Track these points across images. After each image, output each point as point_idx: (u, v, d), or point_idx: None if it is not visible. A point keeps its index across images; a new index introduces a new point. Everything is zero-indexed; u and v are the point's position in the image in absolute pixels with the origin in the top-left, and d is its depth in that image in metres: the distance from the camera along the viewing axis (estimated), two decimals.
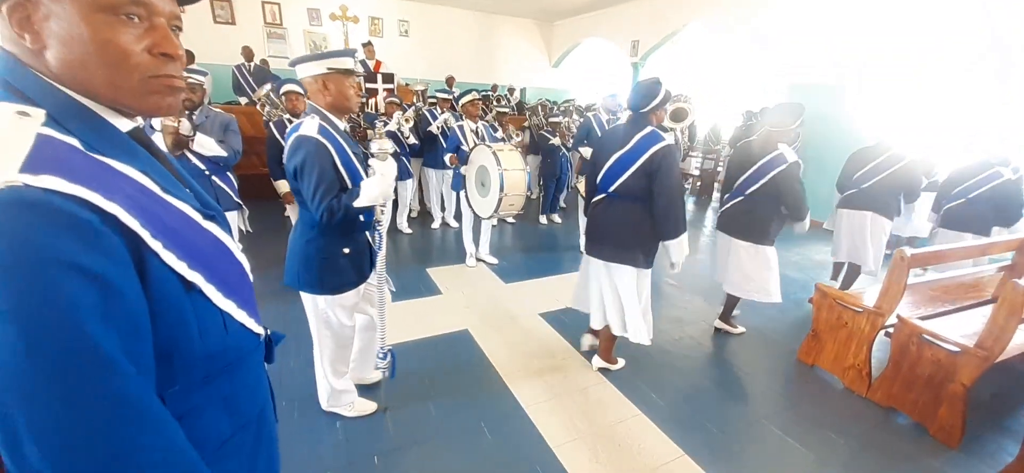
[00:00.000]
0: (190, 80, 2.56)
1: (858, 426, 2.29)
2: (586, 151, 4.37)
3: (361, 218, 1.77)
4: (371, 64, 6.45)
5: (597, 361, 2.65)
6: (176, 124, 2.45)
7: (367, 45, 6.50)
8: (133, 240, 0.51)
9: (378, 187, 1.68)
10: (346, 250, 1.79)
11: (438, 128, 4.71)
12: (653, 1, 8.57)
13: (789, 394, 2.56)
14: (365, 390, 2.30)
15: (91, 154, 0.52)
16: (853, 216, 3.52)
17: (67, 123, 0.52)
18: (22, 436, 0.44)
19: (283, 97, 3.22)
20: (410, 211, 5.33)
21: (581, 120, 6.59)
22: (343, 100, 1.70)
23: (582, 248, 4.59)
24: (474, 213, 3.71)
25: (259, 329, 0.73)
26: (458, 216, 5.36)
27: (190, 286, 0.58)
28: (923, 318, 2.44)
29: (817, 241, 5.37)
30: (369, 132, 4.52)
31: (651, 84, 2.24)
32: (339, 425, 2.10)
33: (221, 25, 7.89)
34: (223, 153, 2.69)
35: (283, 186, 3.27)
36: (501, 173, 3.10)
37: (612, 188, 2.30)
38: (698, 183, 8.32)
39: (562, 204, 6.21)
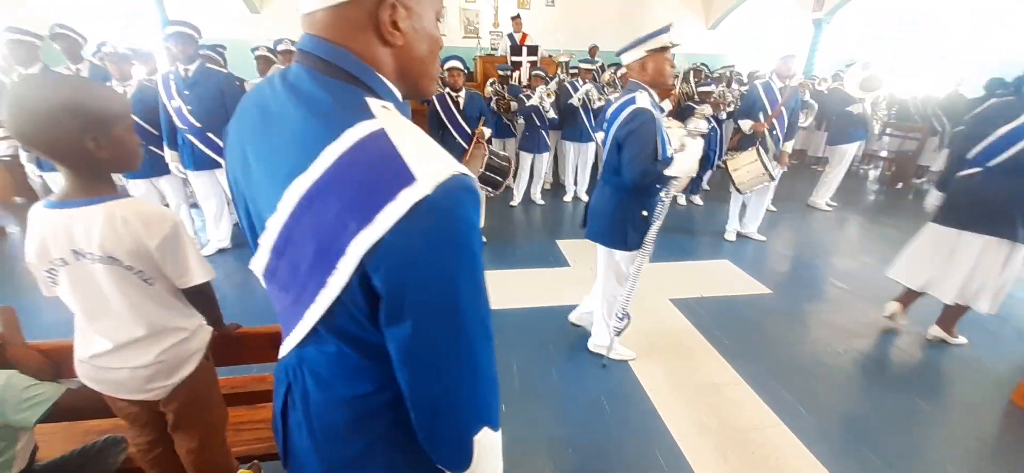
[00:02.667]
0: None
1: None
2: (746, 124, 3.88)
3: (657, 186, 2.03)
4: (517, 37, 6.65)
5: (935, 329, 2.70)
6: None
7: (515, 18, 6.69)
8: None
9: (688, 162, 1.88)
10: (644, 213, 2.07)
11: (579, 100, 4.70)
12: None
13: (991, 441, 2.03)
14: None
15: None
16: None
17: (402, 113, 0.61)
18: (462, 350, 0.58)
19: (446, 73, 3.55)
20: (544, 182, 5.48)
21: (741, 89, 5.87)
22: (661, 76, 1.94)
23: (729, 235, 4.18)
24: None
25: None
26: (590, 191, 5.34)
27: None
28: None
29: None
30: (515, 102, 4.73)
31: None
32: None
33: None
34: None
35: None
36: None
37: (993, 163, 2.31)
38: (891, 169, 6.74)
39: (705, 185, 5.69)
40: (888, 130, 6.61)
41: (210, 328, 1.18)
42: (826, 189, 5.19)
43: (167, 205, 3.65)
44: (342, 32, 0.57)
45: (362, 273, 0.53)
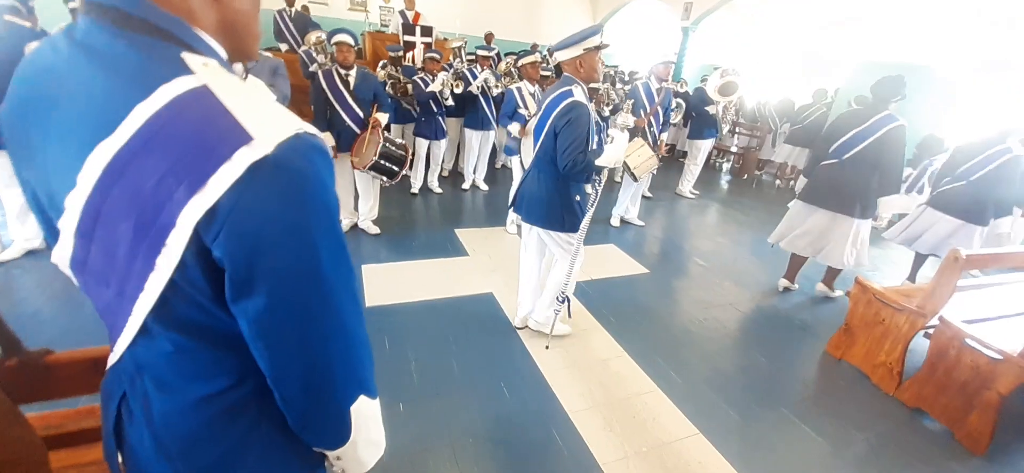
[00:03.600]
0: None
1: (881, 423, 2.26)
2: (629, 119, 4.21)
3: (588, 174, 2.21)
4: (410, 16, 6.37)
5: (821, 287, 3.51)
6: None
7: None
8: None
9: (616, 153, 2.04)
10: (577, 197, 2.22)
11: (478, 88, 4.66)
12: None
13: (812, 385, 2.53)
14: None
15: None
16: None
17: None
18: (329, 315, 0.55)
19: (334, 48, 3.23)
20: (441, 170, 5.36)
21: (622, 87, 6.37)
22: (593, 73, 2.09)
23: (614, 221, 4.55)
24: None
25: None
26: (489, 180, 5.38)
27: None
28: (967, 322, 2.33)
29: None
30: (416, 84, 4.53)
31: (898, 82, 2.86)
32: None
33: None
34: (273, 97, 2.77)
35: (329, 138, 3.33)
36: None
37: (846, 156, 2.99)
38: (740, 162, 7.96)
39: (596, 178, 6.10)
40: (737, 129, 7.78)
41: None
42: (689, 178, 5.94)
43: None
44: None
45: (198, 245, 0.46)
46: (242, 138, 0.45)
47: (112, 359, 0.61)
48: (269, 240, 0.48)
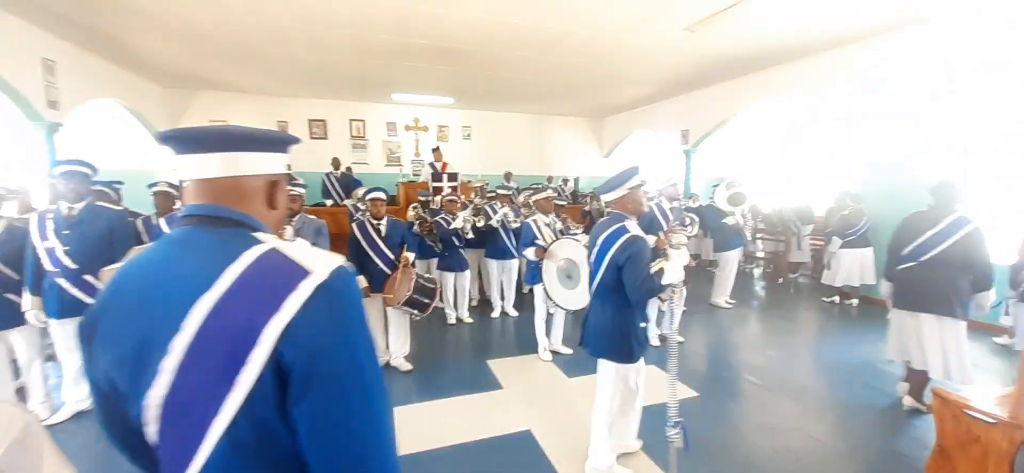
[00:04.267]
0: (293, 192, 2.98)
1: None
2: (649, 240, 4.31)
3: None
4: (438, 166, 7.06)
5: (908, 400, 3.16)
6: (281, 232, 2.84)
7: (436, 150, 7.19)
8: None
9: (678, 269, 2.17)
10: (643, 324, 2.26)
11: (498, 222, 4.95)
12: (702, 94, 8.74)
13: None
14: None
15: None
16: None
17: None
18: (370, 410, 0.68)
19: (369, 202, 3.59)
20: (470, 300, 5.45)
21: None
22: (639, 207, 2.27)
23: (653, 340, 4.36)
24: (557, 306, 3.69)
25: None
26: (518, 306, 5.40)
27: None
28: None
29: None
30: (438, 223, 4.84)
31: (956, 186, 2.94)
32: None
33: (316, 140, 9.14)
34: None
35: (362, 281, 3.51)
36: None
37: (925, 257, 2.96)
38: (770, 267, 7.82)
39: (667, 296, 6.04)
40: (760, 235, 7.79)
41: None
42: (723, 289, 5.81)
43: (15, 360, 3.00)
44: (233, 197, 0.75)
45: (274, 360, 0.62)
46: (303, 273, 0.67)
47: None
48: (324, 342, 0.65)
